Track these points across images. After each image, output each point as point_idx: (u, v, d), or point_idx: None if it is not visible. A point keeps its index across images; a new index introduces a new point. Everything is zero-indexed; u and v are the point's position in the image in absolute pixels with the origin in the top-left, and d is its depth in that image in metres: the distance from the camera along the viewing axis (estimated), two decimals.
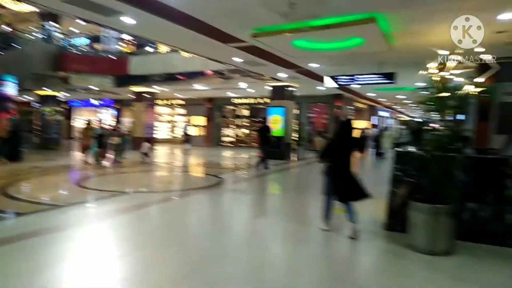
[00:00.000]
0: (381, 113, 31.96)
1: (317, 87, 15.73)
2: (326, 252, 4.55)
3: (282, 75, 12.90)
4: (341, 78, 10.36)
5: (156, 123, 21.06)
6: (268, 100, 17.03)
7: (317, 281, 3.50)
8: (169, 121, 25.85)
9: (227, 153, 18.56)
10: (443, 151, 4.29)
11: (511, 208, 4.35)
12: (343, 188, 4.71)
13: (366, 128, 19.15)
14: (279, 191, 9.32)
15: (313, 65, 10.79)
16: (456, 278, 3.66)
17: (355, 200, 4.71)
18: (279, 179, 10.72)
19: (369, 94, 21.20)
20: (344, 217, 4.81)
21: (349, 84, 10.86)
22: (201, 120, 23.90)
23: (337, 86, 10.88)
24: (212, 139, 23.44)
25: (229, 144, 23.33)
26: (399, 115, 39.05)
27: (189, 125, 24.65)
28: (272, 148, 15.19)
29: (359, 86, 14.19)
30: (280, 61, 10.15)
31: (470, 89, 5.03)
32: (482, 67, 8.84)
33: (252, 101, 22.33)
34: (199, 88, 17.55)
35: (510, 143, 9.54)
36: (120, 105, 26.08)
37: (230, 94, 21.00)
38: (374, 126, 24.95)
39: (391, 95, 20.21)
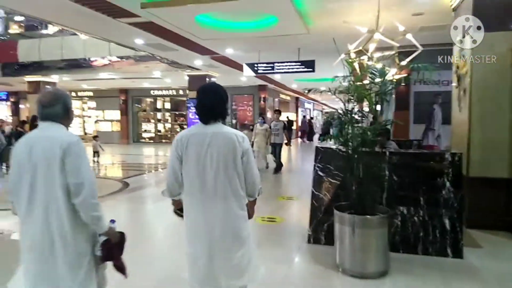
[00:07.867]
0: (306, 105, 32.40)
1: (240, 78, 14.75)
2: None
3: (198, 62, 11.60)
4: (260, 66, 9.45)
5: None
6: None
7: None
8: (79, 115, 22.77)
9: (147, 151, 16.73)
10: (367, 147, 3.51)
11: (446, 212, 3.75)
12: None
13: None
14: None
15: (230, 51, 9.70)
16: None
17: None
18: None
19: (293, 86, 20.89)
20: None
21: (269, 73, 10.01)
22: (116, 114, 21.44)
23: (255, 75, 9.95)
24: (130, 135, 21.23)
25: (149, 141, 21.37)
26: (324, 107, 40.23)
27: (101, 120, 22.15)
28: None
29: (280, 75, 13.54)
30: (191, 45, 8.86)
31: (391, 75, 4.37)
32: (403, 53, 8.56)
33: (174, 92, 20.61)
34: (106, 77, 15.35)
35: (427, 133, 9.61)
36: (16, 97, 22.32)
37: (147, 84, 19.00)
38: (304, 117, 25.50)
39: (314, 86, 20.10)
